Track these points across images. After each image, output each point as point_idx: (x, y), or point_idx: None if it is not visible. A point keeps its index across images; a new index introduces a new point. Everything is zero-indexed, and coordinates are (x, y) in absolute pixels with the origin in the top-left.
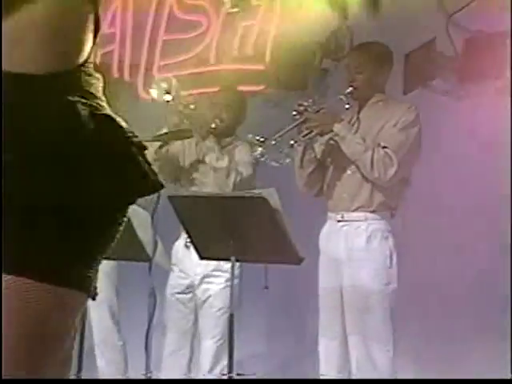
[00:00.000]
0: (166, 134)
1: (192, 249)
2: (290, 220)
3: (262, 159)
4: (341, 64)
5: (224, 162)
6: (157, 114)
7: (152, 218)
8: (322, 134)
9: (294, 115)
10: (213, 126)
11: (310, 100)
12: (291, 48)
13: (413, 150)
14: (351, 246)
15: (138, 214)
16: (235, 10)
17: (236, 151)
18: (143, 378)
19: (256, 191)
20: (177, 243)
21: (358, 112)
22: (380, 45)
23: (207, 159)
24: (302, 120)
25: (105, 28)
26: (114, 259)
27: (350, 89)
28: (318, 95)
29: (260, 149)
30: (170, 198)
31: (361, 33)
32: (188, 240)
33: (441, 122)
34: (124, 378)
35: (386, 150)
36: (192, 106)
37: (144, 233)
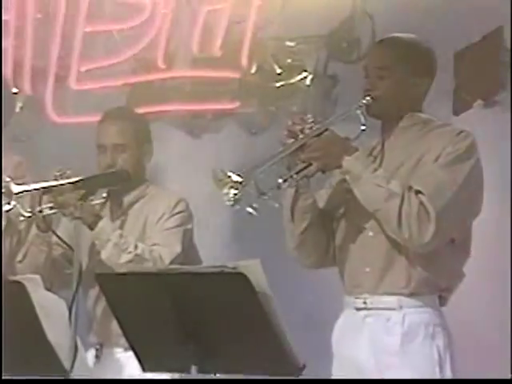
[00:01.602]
0: (97, 177)
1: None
2: (284, 305)
3: (236, 206)
4: (356, 68)
5: (131, 249)
6: (77, 143)
7: (70, 310)
8: (324, 170)
9: (285, 139)
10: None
11: (309, 117)
12: (279, 46)
13: (466, 196)
14: (379, 349)
15: (46, 304)
16: None
17: (147, 214)
18: None
19: (230, 264)
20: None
21: (383, 138)
22: (415, 39)
23: (104, 251)
24: (295, 147)
25: None
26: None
27: (367, 99)
28: (322, 112)
29: (232, 191)
30: (98, 276)
31: (388, 23)
32: (98, 348)
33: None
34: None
35: (420, 196)
36: None
37: (58, 331)
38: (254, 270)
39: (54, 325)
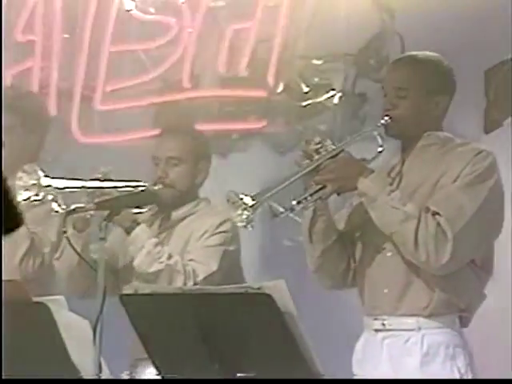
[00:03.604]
0: (143, 191)
1: None
2: (309, 326)
3: (248, 227)
4: None
5: (163, 259)
6: (103, 163)
7: (94, 330)
8: (339, 193)
9: (300, 161)
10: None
11: (321, 140)
12: (306, 64)
13: (485, 217)
14: (399, 370)
15: (70, 323)
16: (220, 3)
17: (192, 230)
18: None
19: (254, 285)
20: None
21: (402, 158)
22: (432, 57)
23: (136, 258)
24: (310, 168)
25: (17, 34)
26: None
27: (386, 119)
28: (349, 131)
29: (245, 213)
30: (123, 297)
31: (417, 40)
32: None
33: None
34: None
35: (438, 218)
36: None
37: (81, 352)
38: (278, 290)
39: (77, 346)
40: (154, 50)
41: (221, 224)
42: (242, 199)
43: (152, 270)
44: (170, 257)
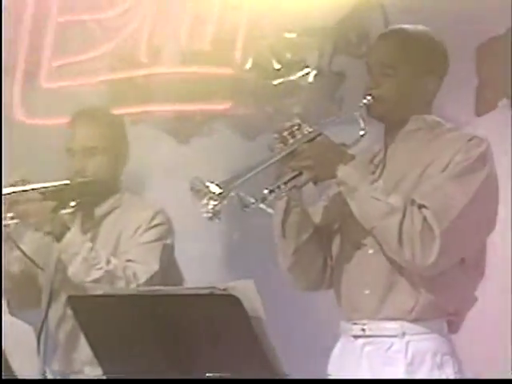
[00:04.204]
0: (67, 185)
1: None
2: (279, 330)
3: (214, 219)
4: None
5: (101, 265)
6: (48, 148)
7: (38, 338)
8: (316, 181)
9: (274, 145)
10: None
11: (298, 122)
12: (278, 38)
13: (477, 211)
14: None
15: (13, 331)
16: None
17: (122, 226)
18: None
19: (220, 285)
20: None
21: (385, 144)
22: (424, 31)
23: (71, 267)
24: (284, 154)
25: None
26: None
27: (368, 99)
28: (325, 113)
29: (211, 202)
30: (71, 299)
31: (402, 12)
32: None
33: None
34: None
35: (424, 211)
36: None
37: (24, 363)
38: (246, 291)
39: (21, 354)
40: (107, 20)
41: (155, 216)
42: (207, 187)
43: (90, 278)
44: (108, 262)
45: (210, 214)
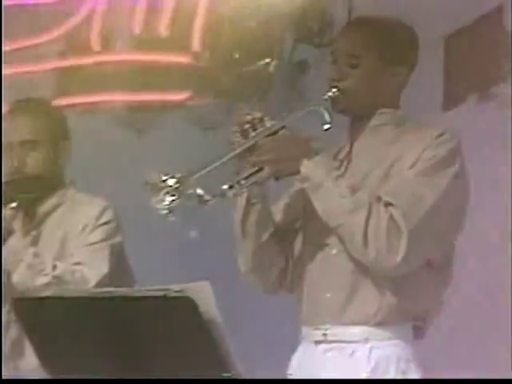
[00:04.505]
0: (6, 183)
1: None
2: (238, 333)
3: (170, 216)
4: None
5: (48, 271)
6: None
7: None
8: (278, 177)
9: (233, 138)
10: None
11: (259, 114)
12: (239, 26)
13: (446, 210)
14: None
15: None
16: None
17: (67, 225)
18: None
19: (174, 287)
20: None
21: (351, 139)
22: (393, 20)
23: (15, 274)
24: (245, 147)
25: None
26: None
27: (334, 91)
28: (287, 105)
29: (167, 198)
30: (16, 302)
31: (368, 1)
32: None
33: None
34: None
35: (391, 209)
36: None
37: None
38: (202, 293)
39: None
40: (57, 4)
41: (102, 214)
42: (164, 181)
43: (37, 284)
44: (54, 267)
45: (165, 211)
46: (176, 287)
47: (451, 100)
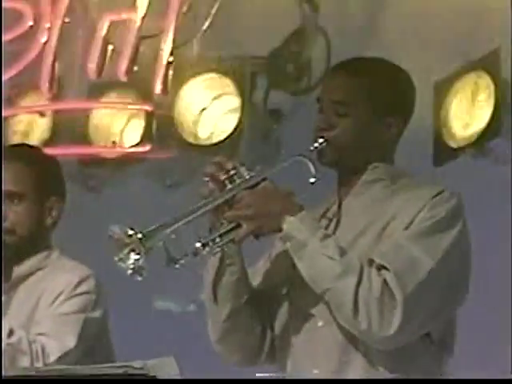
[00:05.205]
0: None
1: None
2: None
3: (137, 276)
4: (307, 101)
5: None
6: None
7: None
8: (258, 235)
9: (206, 190)
10: None
11: (239, 165)
12: (204, 69)
13: (446, 277)
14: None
15: None
16: None
17: (42, 292)
18: None
19: (135, 364)
20: None
21: (339, 196)
22: (387, 63)
23: None
24: (220, 201)
25: None
26: None
27: (320, 141)
28: (260, 157)
29: (132, 256)
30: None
31: (347, 41)
32: None
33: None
34: None
35: (384, 273)
36: None
37: None
38: (166, 369)
39: None
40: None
41: (80, 283)
42: (130, 236)
43: None
44: (11, 333)
45: (131, 269)
46: (136, 364)
47: (442, 154)
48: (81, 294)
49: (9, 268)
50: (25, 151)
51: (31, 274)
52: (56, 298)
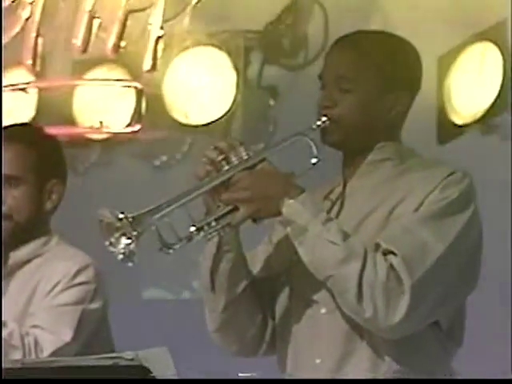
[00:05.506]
0: None
1: None
2: None
3: (128, 262)
4: (304, 77)
5: None
6: None
7: None
8: (256, 218)
9: (202, 172)
10: None
11: (238, 144)
12: (197, 44)
13: (457, 262)
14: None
15: None
16: None
17: (39, 281)
18: None
19: (127, 354)
20: None
21: (344, 177)
22: (393, 36)
23: None
24: (216, 182)
25: None
26: None
27: (323, 120)
28: (255, 137)
29: (123, 240)
30: None
31: (346, 13)
32: None
33: None
34: None
35: (391, 258)
36: None
37: None
38: (158, 360)
39: None
40: None
41: (79, 271)
42: (120, 220)
43: None
44: (3, 325)
45: (122, 255)
46: (128, 354)
47: (447, 132)
48: (79, 284)
49: (5, 254)
50: (25, 131)
51: (28, 260)
52: (53, 288)
